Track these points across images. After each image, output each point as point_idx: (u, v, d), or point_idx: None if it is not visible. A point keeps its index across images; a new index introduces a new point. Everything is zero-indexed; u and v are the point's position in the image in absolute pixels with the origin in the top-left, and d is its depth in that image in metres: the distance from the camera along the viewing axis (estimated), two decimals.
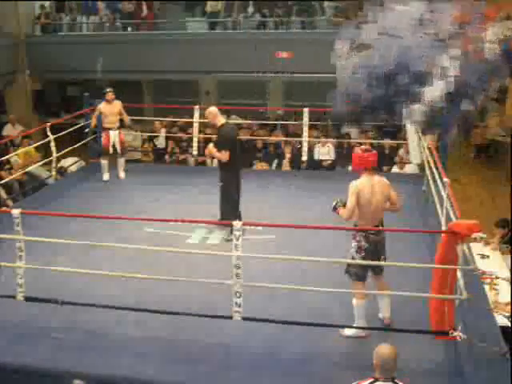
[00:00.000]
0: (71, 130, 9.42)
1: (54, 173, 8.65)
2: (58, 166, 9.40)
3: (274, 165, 10.66)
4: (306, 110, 8.79)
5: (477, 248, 6.61)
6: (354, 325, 4.57)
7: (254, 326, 4.56)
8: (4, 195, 9.13)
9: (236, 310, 4.30)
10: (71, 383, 4.19)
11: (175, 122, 12.89)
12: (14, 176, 8.91)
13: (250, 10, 12.93)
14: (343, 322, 4.70)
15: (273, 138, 11.61)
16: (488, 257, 6.73)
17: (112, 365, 4.30)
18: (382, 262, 4.59)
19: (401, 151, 10.34)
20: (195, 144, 9.19)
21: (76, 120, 11.53)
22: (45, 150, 10.41)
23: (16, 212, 4.59)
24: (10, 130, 12.36)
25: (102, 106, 8.45)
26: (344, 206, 4.55)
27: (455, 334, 4.02)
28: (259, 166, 10.70)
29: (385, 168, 9.91)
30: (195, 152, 9.38)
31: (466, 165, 12.96)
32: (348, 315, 4.66)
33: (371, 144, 9.49)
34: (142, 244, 6.13)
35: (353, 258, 4.55)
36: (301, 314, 4.86)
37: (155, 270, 5.53)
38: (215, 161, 8.82)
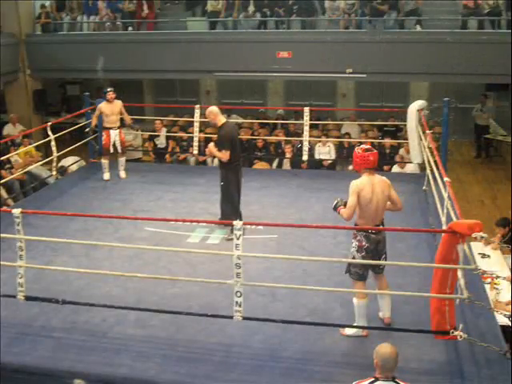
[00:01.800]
0: (71, 129, 9.43)
1: (54, 172, 8.64)
2: (59, 165, 9.40)
3: (275, 164, 10.65)
4: (306, 109, 8.78)
5: (477, 247, 6.61)
6: (355, 324, 4.56)
7: (255, 325, 4.56)
8: (5, 194, 9.14)
9: (236, 310, 4.30)
10: (71, 383, 4.19)
11: (176, 121, 12.92)
12: (14, 175, 8.91)
13: (251, 9, 12.92)
14: (344, 321, 4.70)
15: (273, 138, 11.61)
16: (489, 256, 6.73)
17: (112, 364, 4.30)
18: (383, 262, 4.59)
19: (401, 151, 10.34)
20: (196, 143, 9.18)
21: (76, 119, 11.58)
22: (45, 150, 10.43)
23: (16, 211, 4.58)
24: (11, 130, 12.37)
25: (103, 106, 8.45)
26: (345, 205, 4.55)
27: (456, 333, 4.01)
28: (260, 165, 10.69)
29: (385, 167, 9.92)
30: (196, 151, 9.38)
31: (466, 164, 12.97)
32: (348, 314, 4.66)
33: (372, 143, 9.49)
34: (143, 243, 6.15)
35: (353, 258, 4.55)
36: (301, 314, 4.87)
37: (155, 270, 5.55)
38: (216, 160, 8.82)
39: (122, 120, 8.67)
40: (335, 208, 4.62)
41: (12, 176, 8.84)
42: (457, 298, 4.07)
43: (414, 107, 7.58)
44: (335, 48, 11.72)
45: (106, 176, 8.65)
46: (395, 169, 9.91)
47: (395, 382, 3.29)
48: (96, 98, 9.20)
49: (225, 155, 6.30)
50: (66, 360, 4.36)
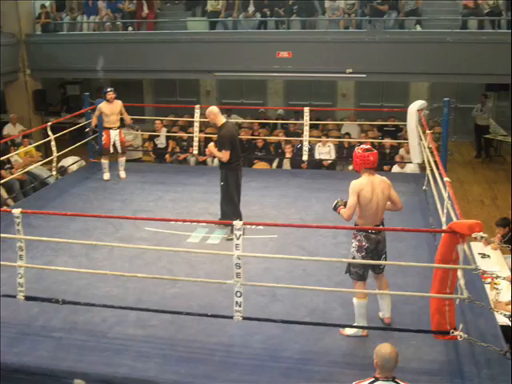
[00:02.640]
0: (72, 129, 9.44)
1: (54, 172, 8.65)
2: (59, 165, 9.40)
3: (275, 164, 10.65)
4: (306, 109, 8.78)
5: (477, 247, 6.61)
6: (355, 324, 4.56)
7: (255, 325, 4.56)
8: (5, 195, 9.14)
9: (236, 310, 4.30)
10: (71, 383, 4.19)
11: (176, 121, 12.92)
12: (14, 175, 8.91)
13: (251, 9, 12.92)
14: (344, 321, 4.69)
15: (273, 138, 11.61)
16: (489, 256, 6.73)
17: (112, 364, 4.30)
18: (383, 262, 4.59)
19: (401, 151, 10.34)
20: (196, 143, 9.19)
21: (76, 119, 11.58)
22: (45, 150, 10.42)
23: (16, 211, 4.58)
24: (11, 130, 12.36)
25: (103, 106, 8.44)
26: (345, 205, 4.55)
27: (456, 333, 4.01)
28: (260, 165, 10.69)
29: (385, 167, 9.92)
30: (196, 151, 9.39)
31: (466, 164, 12.97)
32: (348, 314, 4.66)
33: (372, 143, 9.50)
34: (143, 243, 6.15)
35: (353, 258, 4.55)
36: (301, 314, 4.87)
37: (155, 270, 5.55)
38: (216, 160, 8.83)
39: (122, 120, 8.67)
40: (335, 208, 4.62)
41: (12, 176, 8.84)
42: (457, 298, 4.07)
43: (414, 107, 7.58)
44: (335, 48, 11.73)
45: (106, 176, 8.65)
46: (395, 169, 9.92)
47: (395, 382, 3.29)
48: (96, 98, 9.20)
49: (225, 155, 6.30)
50: (66, 360, 4.35)
